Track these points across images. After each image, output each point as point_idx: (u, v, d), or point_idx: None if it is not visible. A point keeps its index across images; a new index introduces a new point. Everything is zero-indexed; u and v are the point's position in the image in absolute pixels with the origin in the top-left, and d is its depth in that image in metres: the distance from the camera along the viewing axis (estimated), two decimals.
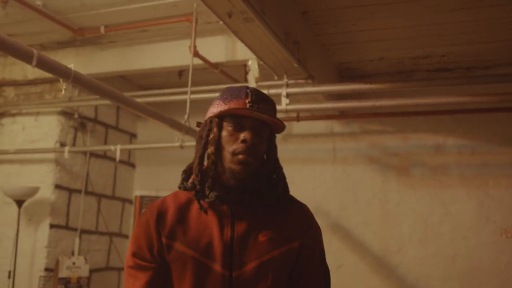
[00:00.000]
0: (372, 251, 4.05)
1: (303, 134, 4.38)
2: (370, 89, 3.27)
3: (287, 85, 3.24)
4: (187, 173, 1.47)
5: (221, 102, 1.42)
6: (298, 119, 3.87)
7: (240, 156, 1.37)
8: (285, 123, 3.83)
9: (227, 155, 1.38)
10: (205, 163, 1.43)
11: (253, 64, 3.31)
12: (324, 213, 4.20)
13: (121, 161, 4.66)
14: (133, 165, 4.97)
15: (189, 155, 4.03)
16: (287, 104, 3.24)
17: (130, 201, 4.86)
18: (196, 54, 3.18)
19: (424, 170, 3.97)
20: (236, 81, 3.83)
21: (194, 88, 3.23)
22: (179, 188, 1.45)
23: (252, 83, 3.36)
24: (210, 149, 1.40)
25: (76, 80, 2.22)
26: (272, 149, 1.47)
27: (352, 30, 3.34)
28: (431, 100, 3.16)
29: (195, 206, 1.43)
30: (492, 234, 3.69)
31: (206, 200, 1.39)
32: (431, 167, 3.94)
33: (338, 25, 3.28)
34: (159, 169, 4.75)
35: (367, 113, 3.80)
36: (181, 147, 3.38)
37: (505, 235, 3.63)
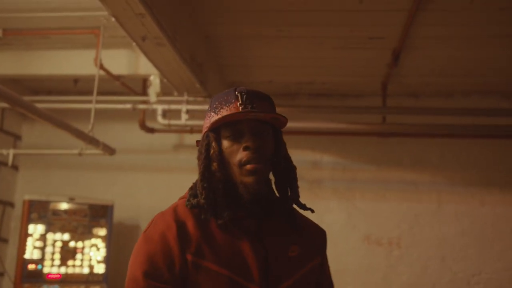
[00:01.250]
0: None
1: (193, 145, 4.63)
2: None
3: (187, 102, 3.49)
4: (193, 189, 1.34)
5: (213, 113, 1.32)
6: (191, 131, 4.13)
7: (248, 166, 1.26)
8: (177, 134, 4.07)
9: (234, 168, 1.28)
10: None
11: (155, 80, 3.51)
12: None
13: (1, 163, 4.54)
14: (16, 168, 4.84)
15: (84, 161, 4.11)
16: (186, 120, 3.48)
17: (11, 204, 4.73)
18: (101, 66, 3.30)
19: (302, 183, 4.39)
20: (136, 93, 3.98)
21: (97, 98, 3.33)
22: (187, 206, 1.30)
23: (152, 97, 3.56)
24: (214, 166, 1.29)
25: None
26: (280, 147, 1.36)
27: (246, 55, 3.70)
28: (313, 125, 3.62)
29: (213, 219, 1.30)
30: (357, 240, 4.26)
31: (218, 221, 1.27)
32: (308, 181, 4.43)
33: (235, 50, 3.62)
34: (47, 173, 4.69)
35: None
36: (80, 154, 3.46)
37: (367, 242, 4.23)
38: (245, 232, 1.29)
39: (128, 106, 3.69)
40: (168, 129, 3.79)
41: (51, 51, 3.74)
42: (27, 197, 3.94)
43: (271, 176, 1.39)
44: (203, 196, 1.27)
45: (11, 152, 3.60)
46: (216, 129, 1.31)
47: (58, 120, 3.04)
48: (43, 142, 4.57)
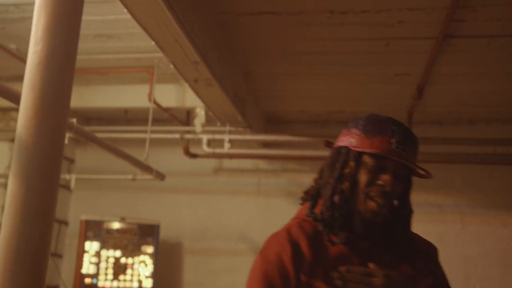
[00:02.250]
0: None
1: (232, 168, 5.01)
2: (295, 141, 4.01)
3: (229, 132, 3.88)
4: (313, 199, 1.41)
5: (363, 135, 1.34)
6: (230, 157, 4.50)
7: (374, 205, 1.31)
8: (217, 160, 4.46)
9: (360, 195, 1.32)
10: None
11: (200, 112, 3.91)
12: (247, 239, 4.85)
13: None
14: (69, 188, 5.29)
15: (132, 184, 4.52)
16: (229, 148, 3.87)
17: (66, 223, 5.17)
18: (154, 101, 3.72)
19: None
20: (180, 121, 4.39)
21: (152, 128, 3.74)
22: (307, 215, 1.38)
23: (198, 128, 3.95)
24: (345, 185, 1.33)
25: None
26: (407, 191, 1.40)
27: (281, 88, 4.08)
28: None
29: (326, 239, 1.35)
30: None
31: (336, 240, 1.33)
32: None
33: (271, 85, 4.00)
34: (97, 194, 5.12)
35: (289, 156, 4.52)
36: (134, 180, 3.87)
37: None
38: (356, 253, 1.34)
39: (177, 136, 4.09)
40: (209, 155, 4.18)
41: (108, 86, 4.18)
42: (83, 217, 4.37)
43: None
44: (329, 213, 1.33)
45: (73, 177, 4.03)
46: (360, 152, 1.34)
47: (116, 148, 3.46)
48: (94, 165, 5.01)
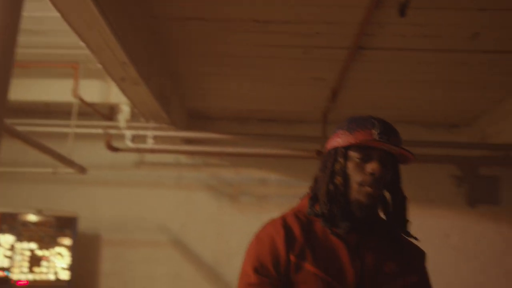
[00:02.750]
0: (206, 262, 4.92)
1: (154, 162, 5.08)
2: (217, 138, 4.17)
3: (153, 129, 3.96)
4: (313, 199, 1.48)
5: (347, 132, 1.44)
6: (153, 152, 4.58)
7: (368, 189, 1.40)
8: (136, 155, 4.52)
9: (353, 185, 1.41)
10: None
11: (125, 108, 3.96)
12: (167, 230, 4.96)
13: None
14: None
15: (51, 177, 4.48)
16: (152, 144, 3.95)
17: None
18: (77, 96, 3.71)
19: (251, 198, 5.00)
20: (107, 118, 4.40)
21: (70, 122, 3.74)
22: (309, 214, 1.46)
23: (122, 123, 4.00)
24: (338, 180, 1.42)
25: None
26: (397, 179, 1.48)
27: (205, 87, 4.22)
28: (260, 151, 4.18)
29: (318, 227, 1.44)
30: None
31: (339, 230, 1.41)
32: (256, 196, 4.98)
33: (196, 83, 4.13)
34: (16, 187, 4.96)
35: (210, 152, 4.67)
36: (54, 173, 3.85)
37: None
38: (345, 243, 1.42)
39: (100, 131, 4.10)
40: (132, 150, 4.24)
41: (31, 80, 4.09)
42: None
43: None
44: (327, 207, 1.42)
45: None
46: (346, 148, 1.44)
47: (37, 142, 3.43)
48: (12, 158, 4.87)
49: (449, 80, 3.84)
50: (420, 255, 1.55)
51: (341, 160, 1.43)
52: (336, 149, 1.45)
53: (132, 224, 4.95)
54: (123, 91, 3.32)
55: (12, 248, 4.24)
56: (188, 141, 4.72)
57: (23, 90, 4.04)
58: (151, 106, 3.55)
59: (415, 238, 1.51)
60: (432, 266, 4.98)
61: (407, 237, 1.51)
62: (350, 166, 1.42)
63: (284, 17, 3.02)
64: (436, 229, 4.88)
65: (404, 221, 1.48)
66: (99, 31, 2.40)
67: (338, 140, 1.45)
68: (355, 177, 1.41)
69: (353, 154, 1.42)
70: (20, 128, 3.65)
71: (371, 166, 1.39)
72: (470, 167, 4.88)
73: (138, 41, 2.95)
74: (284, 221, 1.44)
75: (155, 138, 4.00)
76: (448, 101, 4.33)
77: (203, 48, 3.43)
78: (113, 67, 2.91)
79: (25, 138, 3.34)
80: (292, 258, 1.38)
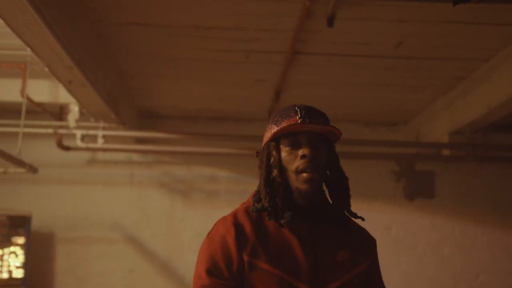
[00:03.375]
0: (159, 257, 5.09)
1: (106, 160, 5.20)
2: (167, 137, 4.34)
3: (103, 128, 4.10)
4: (256, 196, 1.48)
5: (273, 125, 1.47)
6: (104, 150, 4.70)
7: (305, 175, 1.40)
8: (88, 153, 4.64)
9: (291, 175, 1.42)
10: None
11: (74, 108, 4.08)
12: (120, 227, 5.09)
13: None
14: None
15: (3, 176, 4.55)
16: (102, 143, 4.09)
17: None
18: (25, 96, 3.82)
19: (202, 194, 5.19)
20: (57, 117, 4.50)
21: (25, 122, 3.83)
22: (252, 210, 1.45)
23: (72, 123, 4.12)
24: (275, 172, 1.44)
25: None
26: (333, 159, 1.49)
27: (153, 87, 4.39)
28: (209, 150, 4.37)
29: (269, 222, 1.43)
30: None
31: (282, 221, 1.40)
32: (207, 192, 5.17)
33: (146, 84, 4.29)
34: None
35: (160, 151, 4.83)
36: (5, 173, 3.94)
37: None
38: (297, 236, 1.42)
39: (50, 130, 4.21)
40: (83, 149, 4.36)
41: None
42: None
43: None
44: (267, 200, 1.41)
45: None
46: (276, 140, 1.46)
47: None
48: None
49: (381, 83, 4.12)
50: (370, 241, 1.57)
51: (274, 153, 1.44)
52: (268, 144, 1.47)
53: (85, 221, 5.06)
54: (71, 93, 3.46)
55: None
56: (140, 139, 4.87)
57: None
58: (100, 106, 3.70)
59: (362, 219, 1.52)
60: None
61: (354, 218, 1.52)
62: (284, 157, 1.43)
63: (225, 24, 3.22)
64: (378, 223, 5.17)
65: (348, 200, 1.48)
66: (44, 38, 2.55)
67: (267, 134, 1.48)
68: (290, 166, 1.41)
69: (283, 144, 1.44)
70: None
71: (302, 150, 1.39)
72: (407, 163, 5.20)
73: (84, 45, 3.09)
74: (235, 219, 1.43)
75: (106, 137, 4.14)
76: (384, 102, 4.63)
77: (149, 50, 3.60)
78: (60, 70, 3.05)
79: None
80: (245, 257, 1.37)
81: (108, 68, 3.75)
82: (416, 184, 5.22)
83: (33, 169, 4.01)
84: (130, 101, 4.59)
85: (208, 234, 1.47)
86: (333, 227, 1.47)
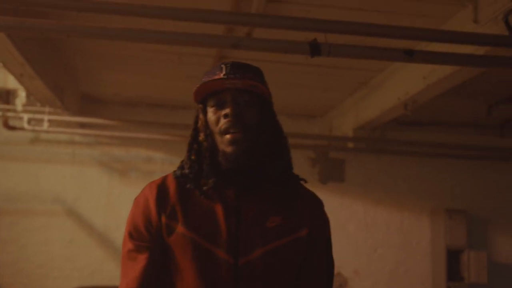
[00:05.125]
0: (97, 229, 5.61)
1: (49, 139, 5.61)
2: (107, 124, 4.85)
3: (49, 113, 4.55)
4: (182, 162, 1.40)
5: (200, 86, 1.34)
6: (48, 131, 5.13)
7: (228, 136, 1.30)
8: (31, 132, 5.09)
9: (217, 138, 1.33)
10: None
11: (21, 94, 4.50)
12: (62, 201, 5.57)
13: None
14: None
15: None
16: (48, 127, 4.54)
17: None
18: None
19: (138, 173, 5.73)
20: (4, 101, 4.89)
21: None
22: (174, 177, 1.39)
23: (19, 107, 4.54)
24: (201, 136, 1.35)
25: None
26: (265, 116, 1.37)
27: (98, 77, 4.86)
28: (147, 136, 4.92)
29: (198, 193, 1.34)
30: None
31: (204, 187, 1.33)
32: (143, 172, 5.72)
33: (89, 74, 4.75)
34: None
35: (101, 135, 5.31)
36: None
37: None
38: (222, 201, 1.33)
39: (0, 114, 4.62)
40: (28, 130, 4.79)
41: None
42: None
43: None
44: (188, 166, 1.35)
45: None
46: (204, 102, 1.36)
47: None
48: None
49: (299, 84, 4.80)
50: (314, 204, 1.42)
51: (201, 116, 1.37)
52: (197, 108, 1.40)
53: (28, 195, 5.50)
54: (22, 83, 3.90)
55: None
56: (82, 123, 5.33)
57: None
58: (46, 95, 4.16)
59: (304, 181, 1.44)
60: None
61: (298, 186, 1.42)
62: (209, 118, 1.35)
63: (161, 28, 3.75)
64: None
65: (285, 160, 1.39)
66: (8, 49, 3.01)
67: (197, 98, 1.37)
68: (215, 127, 1.33)
69: (209, 105, 1.35)
70: None
71: (225, 110, 1.30)
72: (322, 152, 5.95)
73: (34, 42, 3.54)
74: (162, 181, 1.39)
75: (51, 121, 4.60)
76: (303, 98, 5.32)
77: (94, 47, 4.07)
78: (12, 65, 3.51)
79: None
80: (163, 219, 1.32)
81: (56, 61, 4.20)
82: (328, 169, 5.99)
83: None
84: (75, 88, 5.04)
85: (136, 198, 1.42)
86: (268, 191, 1.36)
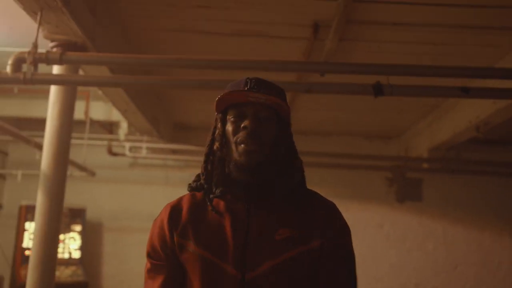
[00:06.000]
0: None
1: (146, 164, 6.25)
2: (196, 149, 5.39)
3: (147, 141, 5.15)
4: (198, 175, 1.41)
5: (222, 97, 1.33)
6: (145, 157, 5.76)
7: (243, 146, 1.29)
8: (131, 158, 5.73)
9: (232, 147, 1.32)
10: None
11: (123, 125, 5.14)
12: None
13: None
14: (4, 177, 6.26)
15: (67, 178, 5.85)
16: (146, 153, 5.14)
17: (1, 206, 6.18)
18: (88, 117, 4.89)
19: None
20: (109, 131, 5.58)
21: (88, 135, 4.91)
22: (188, 190, 1.41)
23: (122, 136, 5.18)
24: (216, 145, 1.35)
25: None
26: (282, 134, 1.36)
27: (189, 107, 5.41)
28: None
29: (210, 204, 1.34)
30: None
31: (211, 196, 1.33)
32: None
33: (181, 105, 5.31)
34: (32, 183, 6.12)
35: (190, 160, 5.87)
36: (70, 175, 5.02)
37: None
38: (231, 213, 1.33)
39: (105, 142, 5.29)
40: (130, 156, 5.43)
41: None
42: (24, 202, 5.44)
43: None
44: (204, 176, 1.36)
45: (19, 173, 5.09)
46: (224, 112, 1.36)
47: None
48: (27, 158, 6.01)
49: (374, 108, 5.05)
50: (328, 214, 1.36)
51: (219, 125, 1.37)
52: (215, 118, 1.40)
53: (127, 214, 6.15)
54: (125, 117, 4.50)
55: None
56: (174, 149, 5.91)
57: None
58: (146, 126, 4.74)
59: (314, 192, 1.41)
60: (368, 251, 6.53)
61: (314, 197, 1.39)
62: (227, 128, 1.34)
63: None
64: (372, 221, 6.12)
65: (298, 175, 1.37)
66: (115, 90, 3.58)
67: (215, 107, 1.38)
68: (232, 138, 1.32)
69: (229, 116, 1.35)
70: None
71: (245, 122, 1.30)
72: (399, 171, 6.12)
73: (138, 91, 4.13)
74: (177, 201, 1.42)
75: (148, 148, 5.20)
76: (379, 120, 5.56)
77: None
78: (119, 103, 4.10)
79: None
80: (175, 238, 1.34)
81: (153, 97, 4.78)
82: (406, 189, 6.15)
83: (92, 173, 5.09)
84: (168, 118, 5.64)
85: (154, 219, 1.45)
86: (277, 204, 1.34)
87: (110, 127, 5.66)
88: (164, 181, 6.27)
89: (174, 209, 1.38)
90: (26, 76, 2.36)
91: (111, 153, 5.73)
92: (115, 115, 5.22)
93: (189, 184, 1.43)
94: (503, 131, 5.07)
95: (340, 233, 1.36)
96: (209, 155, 1.38)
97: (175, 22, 3.30)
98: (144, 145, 5.16)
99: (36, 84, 2.41)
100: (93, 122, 5.20)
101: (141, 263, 5.15)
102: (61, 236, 5.54)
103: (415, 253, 6.09)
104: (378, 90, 2.43)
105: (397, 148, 6.22)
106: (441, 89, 2.49)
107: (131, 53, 3.49)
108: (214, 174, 1.35)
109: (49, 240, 2.62)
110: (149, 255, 1.39)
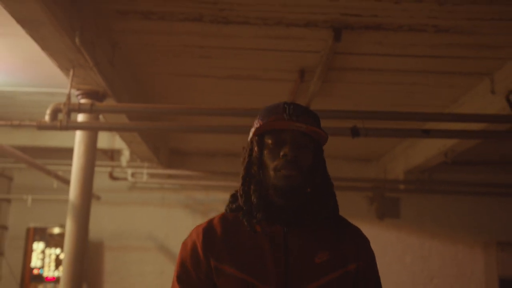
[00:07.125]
0: None
1: (143, 187, 6.69)
2: (191, 174, 5.86)
3: (147, 167, 5.61)
4: (234, 196, 1.44)
5: (260, 121, 1.37)
6: (146, 182, 6.20)
7: (283, 171, 1.32)
8: (128, 183, 6.21)
9: (270, 173, 1.34)
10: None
11: (126, 152, 5.59)
12: (154, 238, 6.60)
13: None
14: (9, 201, 6.65)
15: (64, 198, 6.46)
16: (147, 178, 5.60)
17: (5, 228, 6.55)
18: None
19: (217, 214, 6.63)
20: (111, 158, 6.03)
21: None
22: (225, 210, 1.43)
23: (124, 163, 5.63)
24: (254, 169, 1.37)
25: None
26: (318, 161, 1.40)
27: (185, 137, 5.88)
28: (224, 183, 5.86)
29: (244, 227, 1.36)
30: None
31: (254, 221, 1.35)
32: (222, 212, 6.63)
33: (178, 136, 5.79)
34: (37, 207, 6.51)
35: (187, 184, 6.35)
36: None
37: None
38: (270, 238, 1.35)
39: (109, 169, 5.73)
40: (131, 182, 5.87)
41: None
42: (32, 224, 5.84)
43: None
44: (243, 199, 1.36)
45: (30, 198, 5.50)
46: (261, 136, 1.38)
47: (62, 177, 5.02)
48: (31, 182, 6.42)
49: None
50: (362, 243, 1.44)
51: (256, 149, 1.38)
52: (251, 140, 1.41)
53: (127, 234, 6.57)
54: (130, 147, 4.96)
55: (43, 252, 5.83)
56: (171, 174, 6.37)
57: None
58: (148, 154, 5.20)
59: (344, 219, 1.46)
60: None
61: (344, 222, 1.45)
62: (266, 154, 1.36)
63: (233, 105, 4.70)
64: None
65: (331, 201, 1.41)
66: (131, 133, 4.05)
67: (252, 130, 1.41)
68: (270, 163, 1.34)
69: (267, 140, 1.36)
70: (52, 167, 5.24)
71: (284, 149, 1.33)
72: (378, 191, 6.65)
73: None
74: (208, 224, 1.42)
75: (148, 173, 5.65)
76: (359, 145, 6.07)
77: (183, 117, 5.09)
78: (125, 135, 4.56)
79: (56, 175, 4.94)
80: (212, 262, 1.34)
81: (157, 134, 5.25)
82: (385, 207, 6.67)
83: (97, 197, 5.52)
84: (166, 145, 6.10)
85: (184, 241, 1.44)
86: (315, 228, 1.38)
87: (111, 153, 6.10)
88: (160, 202, 6.71)
89: (207, 232, 1.39)
90: (62, 123, 2.83)
91: (112, 177, 6.17)
92: (118, 143, 5.68)
93: (227, 205, 1.46)
94: (471, 154, 5.62)
95: (370, 256, 1.44)
96: (247, 177, 1.39)
97: (180, 69, 3.80)
98: (145, 170, 5.61)
99: (70, 130, 2.87)
100: (97, 150, 5.64)
101: (140, 280, 5.61)
102: None
103: (394, 266, 6.60)
104: (355, 132, 2.93)
105: (376, 170, 6.75)
106: (406, 131, 3.01)
107: (142, 94, 3.98)
108: (254, 197, 1.36)
109: (78, 262, 3.06)
110: (179, 279, 1.37)
